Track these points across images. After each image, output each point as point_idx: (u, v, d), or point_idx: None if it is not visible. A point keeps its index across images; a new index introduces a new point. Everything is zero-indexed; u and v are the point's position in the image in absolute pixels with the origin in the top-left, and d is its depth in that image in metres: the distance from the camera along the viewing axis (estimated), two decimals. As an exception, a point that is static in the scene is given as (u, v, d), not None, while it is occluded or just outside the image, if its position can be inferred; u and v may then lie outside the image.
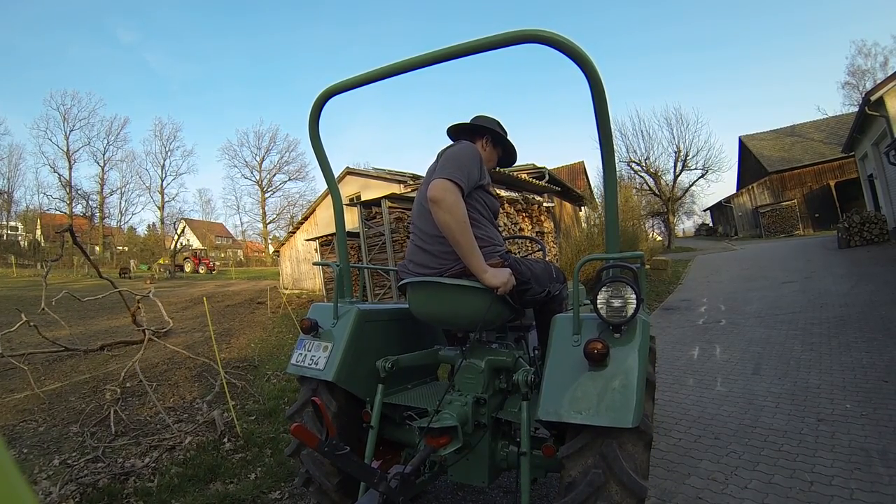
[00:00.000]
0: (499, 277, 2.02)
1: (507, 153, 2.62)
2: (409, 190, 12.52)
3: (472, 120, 2.55)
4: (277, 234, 56.86)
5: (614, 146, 1.99)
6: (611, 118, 1.90)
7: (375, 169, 16.23)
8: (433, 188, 2.02)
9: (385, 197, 10.21)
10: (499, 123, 2.53)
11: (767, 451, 3.12)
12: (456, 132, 2.54)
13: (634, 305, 1.71)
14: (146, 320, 8.65)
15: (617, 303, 1.74)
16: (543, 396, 1.76)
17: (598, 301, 1.76)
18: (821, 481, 2.71)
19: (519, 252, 10.55)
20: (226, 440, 4.01)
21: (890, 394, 3.78)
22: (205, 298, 5.97)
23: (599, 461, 1.66)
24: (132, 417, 5.07)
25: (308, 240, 16.68)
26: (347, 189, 16.75)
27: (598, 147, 1.94)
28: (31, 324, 7.77)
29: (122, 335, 9.73)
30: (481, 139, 2.50)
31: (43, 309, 7.22)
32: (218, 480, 3.37)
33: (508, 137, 2.54)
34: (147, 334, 7.70)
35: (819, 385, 4.18)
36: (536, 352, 2.54)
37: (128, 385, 6.33)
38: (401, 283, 2.35)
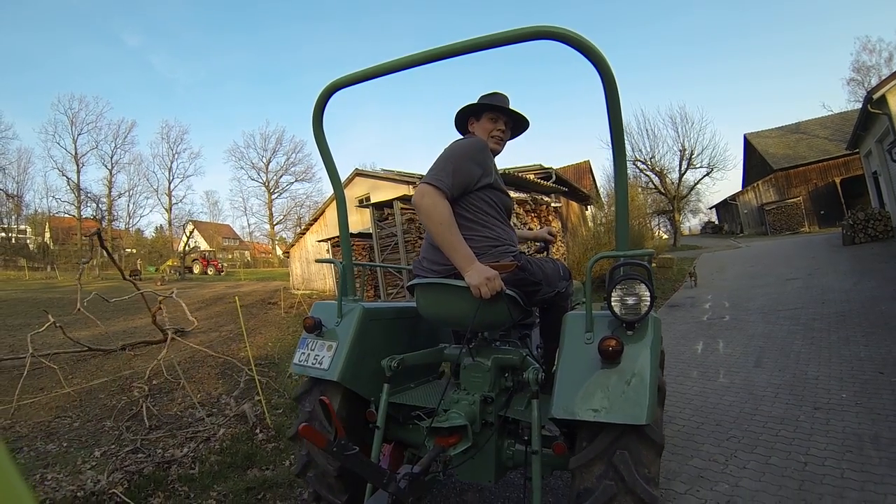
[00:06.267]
0: (479, 275, 1.94)
1: (515, 122, 2.50)
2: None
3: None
4: (284, 236, 57.31)
5: None
6: (623, 117, 1.87)
7: (384, 170, 16.49)
8: (415, 194, 2.06)
9: (397, 198, 10.47)
10: (491, 96, 2.43)
11: (766, 435, 3.34)
12: (459, 121, 2.52)
13: (648, 303, 1.72)
14: (168, 320, 8.91)
15: (631, 300, 1.74)
16: (557, 394, 1.76)
17: (613, 298, 1.76)
18: (814, 462, 2.93)
19: (528, 252, 10.74)
20: (258, 431, 4.26)
21: (885, 384, 3.97)
22: (236, 298, 6.26)
23: (611, 471, 1.67)
24: (163, 413, 5.32)
25: (320, 241, 16.99)
26: (356, 190, 17.01)
27: (610, 145, 1.94)
28: (58, 325, 8.08)
29: (141, 335, 9.99)
30: (472, 120, 2.46)
31: (78, 309, 7.50)
32: (255, 467, 3.62)
33: (491, 101, 2.40)
34: (169, 334, 7.98)
35: (817, 376, 4.38)
36: (539, 349, 2.57)
37: (154, 382, 6.59)
38: (407, 285, 2.40)
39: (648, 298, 1.72)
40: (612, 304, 1.76)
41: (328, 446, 1.68)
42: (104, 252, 8.88)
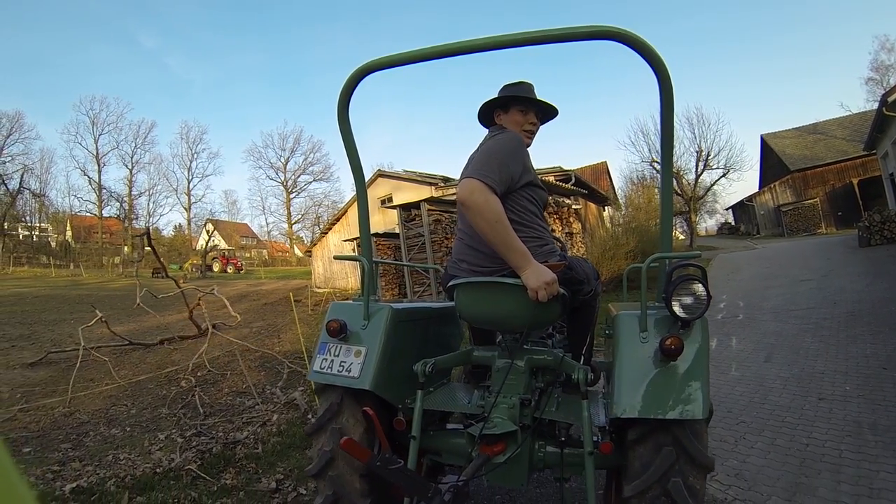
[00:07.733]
0: (538, 278, 1.88)
1: (543, 110, 2.42)
2: (442, 193, 13.18)
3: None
4: (302, 235, 58.20)
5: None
6: (674, 126, 1.88)
7: (406, 171, 16.91)
8: (460, 189, 1.95)
9: (424, 200, 10.91)
10: (517, 86, 2.36)
11: (772, 421, 3.69)
12: (483, 117, 2.46)
13: (705, 303, 1.77)
14: (207, 316, 9.41)
15: (688, 300, 1.78)
16: (618, 393, 1.76)
17: (673, 299, 1.77)
18: (815, 444, 3.28)
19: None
20: (310, 417, 4.68)
21: (887, 379, 4.26)
22: (290, 294, 6.65)
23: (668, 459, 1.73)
24: (213, 401, 5.76)
25: (345, 240, 17.53)
26: (379, 190, 17.47)
27: (659, 151, 1.95)
28: (103, 320, 8.63)
29: (174, 331, 10.51)
30: (499, 112, 2.38)
31: (138, 304, 8.02)
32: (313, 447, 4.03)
33: (517, 92, 2.33)
34: (209, 328, 8.46)
35: (824, 371, 4.68)
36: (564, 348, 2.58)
37: (198, 374, 7.05)
38: (449, 284, 2.22)
39: (705, 298, 1.77)
40: (672, 303, 1.77)
41: (371, 460, 1.65)
42: (156, 252, 9.41)
